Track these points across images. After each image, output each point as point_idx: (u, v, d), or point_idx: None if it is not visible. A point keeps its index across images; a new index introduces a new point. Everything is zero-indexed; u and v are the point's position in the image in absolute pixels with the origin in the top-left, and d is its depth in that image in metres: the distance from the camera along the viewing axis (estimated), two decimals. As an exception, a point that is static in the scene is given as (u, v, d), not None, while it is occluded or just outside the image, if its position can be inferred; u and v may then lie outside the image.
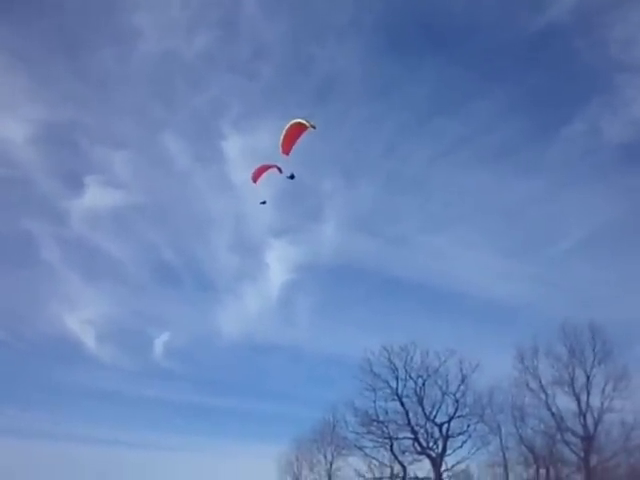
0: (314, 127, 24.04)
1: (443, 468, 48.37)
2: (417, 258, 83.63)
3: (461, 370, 49.19)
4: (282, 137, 24.65)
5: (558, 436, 45.49)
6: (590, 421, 44.09)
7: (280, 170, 25.78)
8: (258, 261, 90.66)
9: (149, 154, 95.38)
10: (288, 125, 24.46)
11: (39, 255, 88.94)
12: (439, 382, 49.80)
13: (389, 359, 50.56)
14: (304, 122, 24.12)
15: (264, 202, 27.42)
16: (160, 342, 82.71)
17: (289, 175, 25.59)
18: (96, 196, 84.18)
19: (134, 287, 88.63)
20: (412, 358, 50.34)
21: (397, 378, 50.40)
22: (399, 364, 50.42)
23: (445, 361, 49.60)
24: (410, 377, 50.35)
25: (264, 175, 26.19)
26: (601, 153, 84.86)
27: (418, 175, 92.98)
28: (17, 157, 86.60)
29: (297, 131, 24.38)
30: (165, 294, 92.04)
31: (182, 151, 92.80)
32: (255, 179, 26.49)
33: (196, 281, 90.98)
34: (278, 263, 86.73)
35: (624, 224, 77.09)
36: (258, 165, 26.72)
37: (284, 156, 25.17)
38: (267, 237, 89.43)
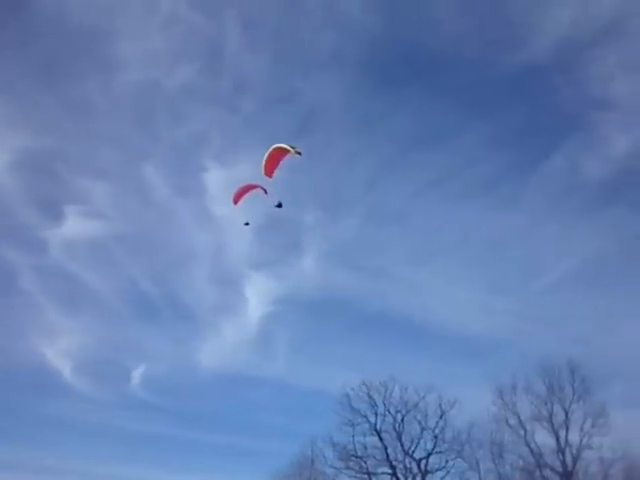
0: (300, 153, 23.74)
1: (421, 504, 47.45)
2: (397, 292, 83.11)
3: (440, 406, 48.60)
4: (265, 159, 24.41)
5: (537, 472, 44.96)
6: (569, 457, 43.98)
7: (265, 191, 25.43)
8: (237, 293, 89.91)
9: (130, 185, 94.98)
10: (272, 148, 24.19)
11: (16, 284, 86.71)
12: (418, 417, 49.08)
13: (368, 394, 49.98)
14: (288, 148, 23.77)
15: (247, 223, 27.02)
16: (137, 374, 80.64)
17: (277, 204, 25.32)
18: (75, 226, 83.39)
19: (112, 318, 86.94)
20: (391, 393, 49.78)
21: (376, 413, 49.65)
22: (378, 399, 49.83)
23: (424, 396, 49.03)
24: (389, 412, 49.63)
25: (247, 197, 25.84)
26: (581, 189, 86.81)
27: (400, 208, 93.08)
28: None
29: (281, 155, 24.12)
30: (143, 325, 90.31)
31: (163, 183, 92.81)
32: (236, 201, 26.17)
33: (175, 313, 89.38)
34: (257, 296, 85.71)
35: (604, 261, 78.24)
36: (240, 186, 26.23)
37: (267, 179, 24.91)
38: (247, 269, 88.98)
